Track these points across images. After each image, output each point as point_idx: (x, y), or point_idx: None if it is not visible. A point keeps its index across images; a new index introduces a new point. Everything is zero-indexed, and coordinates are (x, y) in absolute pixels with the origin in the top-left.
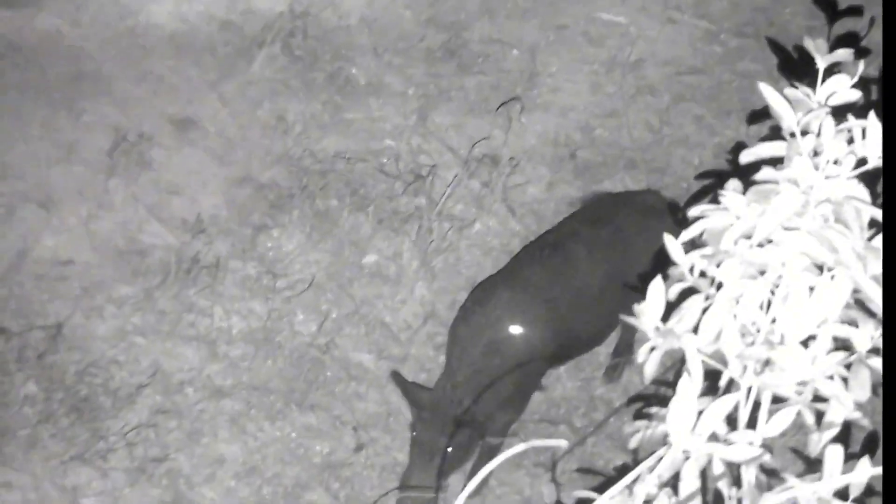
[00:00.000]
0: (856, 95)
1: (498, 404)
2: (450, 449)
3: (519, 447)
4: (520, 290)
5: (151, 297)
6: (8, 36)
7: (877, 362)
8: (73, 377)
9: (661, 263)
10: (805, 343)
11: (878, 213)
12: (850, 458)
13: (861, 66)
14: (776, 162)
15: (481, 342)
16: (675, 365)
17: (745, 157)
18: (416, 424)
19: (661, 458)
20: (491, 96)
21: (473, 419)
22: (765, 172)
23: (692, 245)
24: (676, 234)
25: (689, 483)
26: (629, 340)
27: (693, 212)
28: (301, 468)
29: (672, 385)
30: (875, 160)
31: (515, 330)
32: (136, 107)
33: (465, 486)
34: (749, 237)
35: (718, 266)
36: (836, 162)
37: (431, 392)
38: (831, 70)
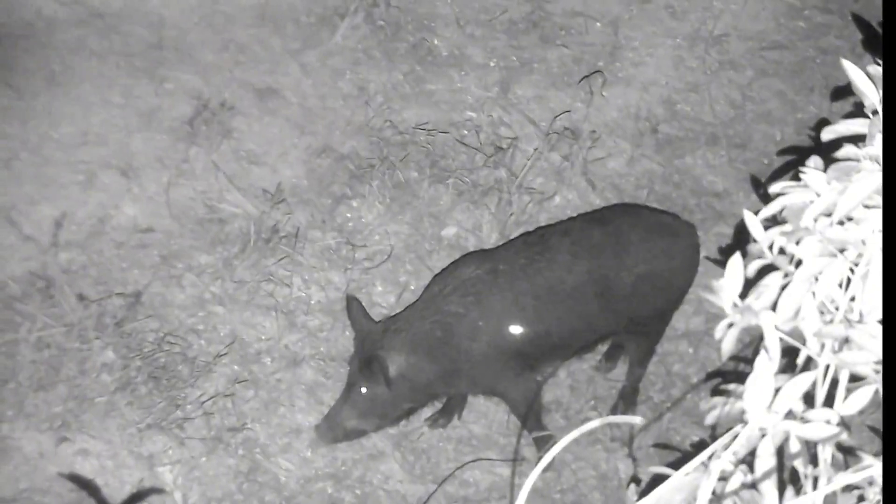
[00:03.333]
0: None
1: (423, 374)
2: (364, 390)
3: (594, 422)
4: (485, 270)
5: (230, 266)
6: (90, 3)
7: None
8: (152, 345)
9: (659, 277)
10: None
11: None
12: None
13: None
14: (858, 139)
15: (432, 308)
16: (753, 342)
17: (827, 135)
18: (353, 354)
19: (737, 435)
20: (573, 69)
21: (384, 369)
22: (846, 150)
23: (772, 222)
24: (692, 258)
25: (765, 460)
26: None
27: (774, 188)
28: (377, 439)
29: (749, 362)
30: None
31: (466, 309)
32: (218, 75)
33: (538, 460)
34: (829, 215)
35: (798, 243)
36: None
37: (371, 326)
38: None
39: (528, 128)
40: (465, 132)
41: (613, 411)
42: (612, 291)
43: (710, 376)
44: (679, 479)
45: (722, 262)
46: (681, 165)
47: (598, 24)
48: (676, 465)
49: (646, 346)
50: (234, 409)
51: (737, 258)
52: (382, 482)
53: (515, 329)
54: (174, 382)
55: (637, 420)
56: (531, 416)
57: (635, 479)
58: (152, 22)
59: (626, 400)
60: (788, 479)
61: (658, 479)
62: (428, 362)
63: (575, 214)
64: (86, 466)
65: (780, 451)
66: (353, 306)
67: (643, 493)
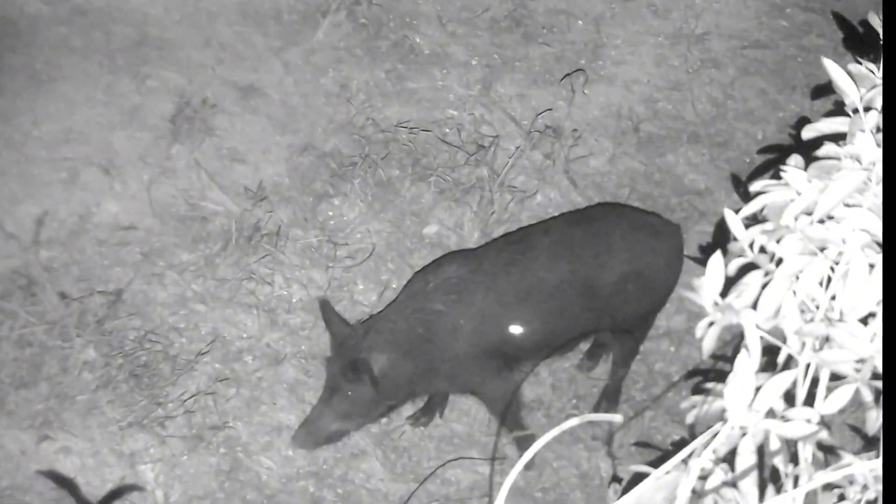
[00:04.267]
0: None
1: (404, 371)
2: (350, 393)
3: (574, 420)
4: (467, 269)
5: (212, 263)
6: (74, 0)
7: None
8: (133, 343)
9: (643, 277)
10: (864, 320)
11: None
12: None
13: None
14: (839, 138)
15: (414, 307)
16: (734, 340)
17: (808, 133)
18: (330, 358)
19: (717, 434)
20: (555, 67)
21: (369, 370)
22: (827, 148)
23: (753, 220)
24: (676, 259)
25: (746, 459)
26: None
27: (754, 187)
28: (358, 437)
29: (730, 360)
30: None
31: (448, 305)
32: (200, 73)
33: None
34: (810, 213)
35: (778, 242)
36: None
37: (348, 329)
38: None
39: (509, 126)
40: (447, 130)
41: (595, 410)
42: (594, 291)
43: (690, 374)
44: (659, 478)
45: (703, 261)
46: (662, 164)
47: (581, 21)
48: (657, 464)
49: (629, 346)
50: (216, 408)
51: (717, 256)
52: (364, 481)
53: (496, 328)
54: (156, 380)
55: (617, 418)
56: (510, 415)
57: (616, 478)
58: (135, 19)
59: (609, 399)
60: (769, 477)
61: (639, 478)
62: (409, 360)
63: (557, 213)
64: (67, 464)
65: (761, 450)
66: (326, 309)
67: (624, 492)
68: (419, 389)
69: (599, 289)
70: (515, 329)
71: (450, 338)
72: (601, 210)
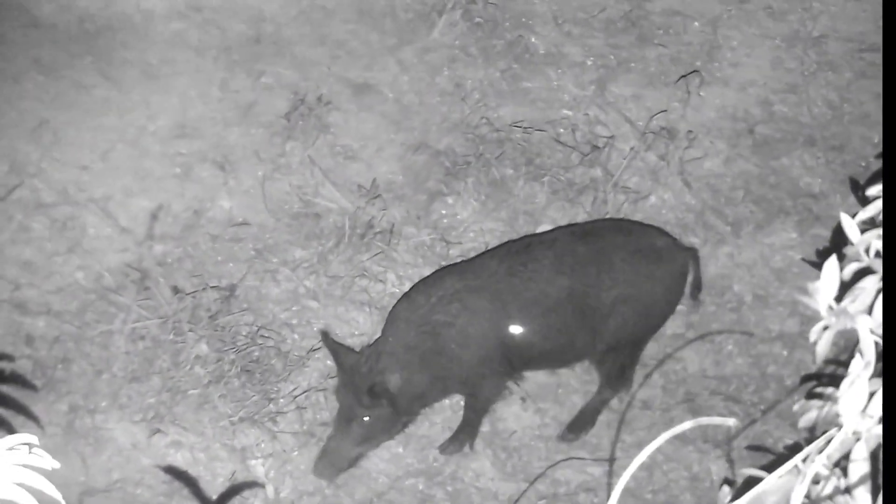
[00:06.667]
0: None
1: (418, 385)
2: (366, 418)
3: (687, 424)
4: (469, 281)
5: (325, 260)
6: None
7: None
8: (246, 339)
9: (638, 302)
10: None
11: None
12: None
13: None
14: None
15: (419, 321)
16: (849, 345)
17: None
18: (339, 387)
19: (831, 439)
20: (670, 68)
21: (387, 392)
22: None
23: (870, 224)
24: (677, 286)
25: (859, 465)
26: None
27: (871, 191)
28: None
29: (845, 365)
30: None
31: (454, 317)
32: (315, 70)
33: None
34: None
35: None
36: None
37: (356, 356)
38: None
39: (624, 127)
40: (561, 130)
41: (574, 427)
42: (590, 309)
43: (804, 379)
44: (772, 482)
45: (818, 265)
46: (777, 167)
47: (697, 23)
48: (770, 468)
49: (617, 369)
50: (327, 404)
51: (833, 261)
52: (474, 479)
53: (503, 333)
54: (267, 376)
55: (731, 422)
56: (476, 418)
57: (728, 481)
58: (251, 16)
59: (585, 420)
60: (883, 484)
61: (751, 482)
62: (422, 374)
63: (671, 214)
64: (178, 458)
65: (875, 456)
66: (329, 340)
67: (736, 496)
68: (432, 399)
69: (595, 309)
70: (519, 336)
71: (459, 347)
72: (608, 226)
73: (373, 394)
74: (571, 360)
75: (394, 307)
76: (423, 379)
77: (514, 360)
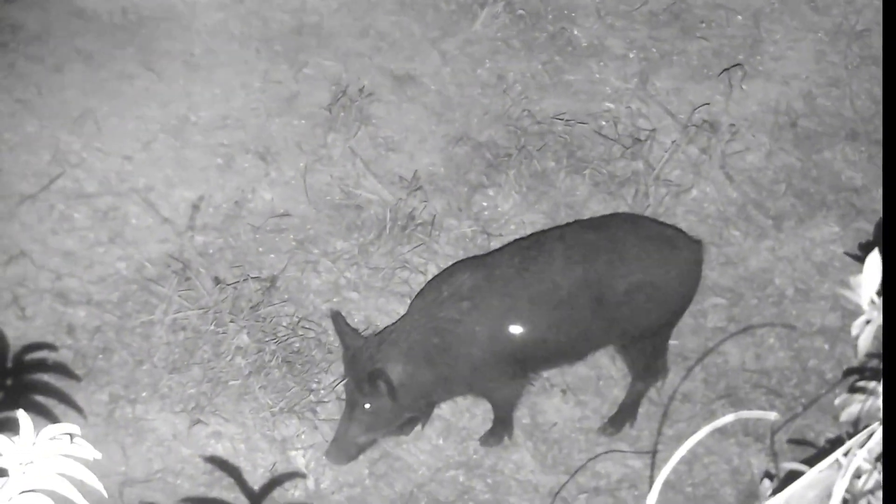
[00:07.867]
0: None
1: (421, 381)
2: (367, 406)
3: (728, 417)
4: (481, 275)
5: (366, 252)
6: None
7: None
8: (286, 330)
9: (654, 289)
10: None
11: None
12: None
13: None
14: None
15: (428, 316)
16: None
17: None
18: (345, 371)
19: (873, 433)
20: (713, 62)
21: (386, 382)
22: None
23: None
24: (692, 274)
25: None
26: (637, 395)
27: None
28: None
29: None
30: None
31: (462, 313)
32: (357, 61)
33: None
34: None
35: None
36: None
37: (361, 341)
38: None
39: (666, 120)
40: (603, 123)
41: (615, 421)
42: (604, 299)
43: (846, 373)
44: (813, 476)
45: (860, 259)
46: (819, 160)
47: (740, 16)
48: (811, 462)
49: (643, 362)
50: None
51: (875, 255)
52: (514, 472)
53: (512, 333)
54: (308, 367)
55: (772, 416)
56: (509, 418)
57: (769, 475)
58: (293, 7)
59: (627, 414)
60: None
61: (792, 476)
62: (426, 370)
63: (713, 207)
64: (219, 449)
65: None
66: (339, 321)
67: (777, 489)
68: (437, 398)
69: (610, 297)
70: (530, 334)
71: (466, 345)
72: (618, 218)
73: (371, 380)
74: (586, 351)
75: (413, 299)
76: (427, 375)
77: (527, 362)
